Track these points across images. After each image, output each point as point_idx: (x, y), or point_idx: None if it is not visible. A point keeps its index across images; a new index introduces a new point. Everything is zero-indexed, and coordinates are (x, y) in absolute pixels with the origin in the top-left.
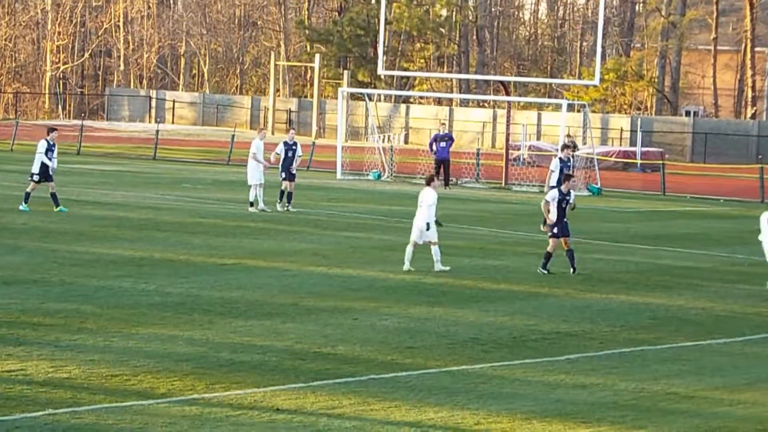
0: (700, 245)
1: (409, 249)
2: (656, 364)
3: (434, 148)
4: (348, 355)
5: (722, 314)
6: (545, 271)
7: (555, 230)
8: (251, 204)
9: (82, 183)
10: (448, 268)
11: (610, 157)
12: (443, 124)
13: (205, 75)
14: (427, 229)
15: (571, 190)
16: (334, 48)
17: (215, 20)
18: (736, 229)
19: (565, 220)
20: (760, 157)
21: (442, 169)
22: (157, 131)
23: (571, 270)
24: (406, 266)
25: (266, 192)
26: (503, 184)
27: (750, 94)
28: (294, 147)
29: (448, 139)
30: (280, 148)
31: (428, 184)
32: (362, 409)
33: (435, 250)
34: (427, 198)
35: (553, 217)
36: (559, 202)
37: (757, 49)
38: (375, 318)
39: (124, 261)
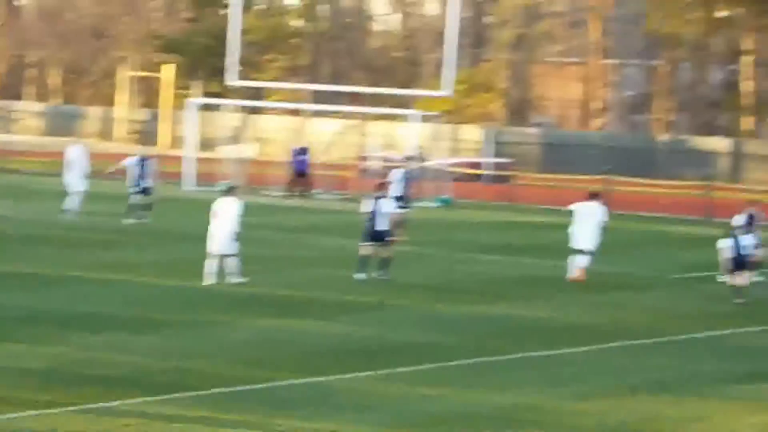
0: (549, 255)
1: (210, 263)
2: (505, 374)
3: (293, 160)
4: (196, 368)
5: (570, 323)
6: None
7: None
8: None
9: None
10: (245, 279)
11: (461, 167)
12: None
13: (55, 85)
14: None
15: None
16: (186, 58)
17: (65, 30)
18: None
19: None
20: (606, 167)
21: (300, 181)
22: None
23: (380, 274)
24: (210, 281)
25: (119, 205)
26: (352, 196)
27: (597, 106)
28: (146, 161)
29: (305, 152)
30: (131, 162)
31: (229, 193)
32: (211, 421)
33: (231, 262)
34: (230, 209)
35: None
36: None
37: (603, 61)
38: (224, 330)
39: None
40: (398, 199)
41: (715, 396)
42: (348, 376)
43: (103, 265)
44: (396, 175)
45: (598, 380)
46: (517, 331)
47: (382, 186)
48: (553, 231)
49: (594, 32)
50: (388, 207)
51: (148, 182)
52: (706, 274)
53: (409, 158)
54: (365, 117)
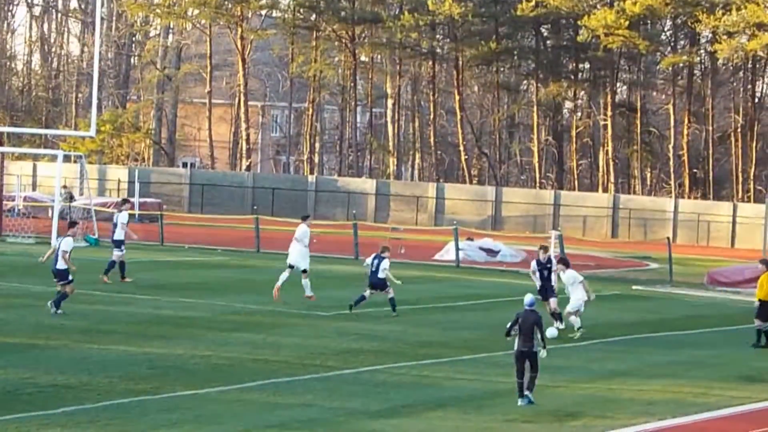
0: (198, 294)
1: None
2: (155, 414)
3: None
4: None
5: (220, 362)
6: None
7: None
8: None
9: None
10: None
11: (108, 207)
12: None
13: None
14: None
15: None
16: None
17: None
18: (234, 278)
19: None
20: (255, 207)
21: None
22: None
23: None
24: None
25: None
26: None
27: (244, 147)
28: None
29: None
30: None
31: None
32: None
33: None
34: None
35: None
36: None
37: (249, 102)
38: None
39: None
40: (120, 242)
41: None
42: None
43: None
44: (122, 218)
45: (249, 418)
46: (169, 370)
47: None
48: (203, 270)
49: (239, 74)
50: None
51: None
52: (354, 312)
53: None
54: (7, 157)
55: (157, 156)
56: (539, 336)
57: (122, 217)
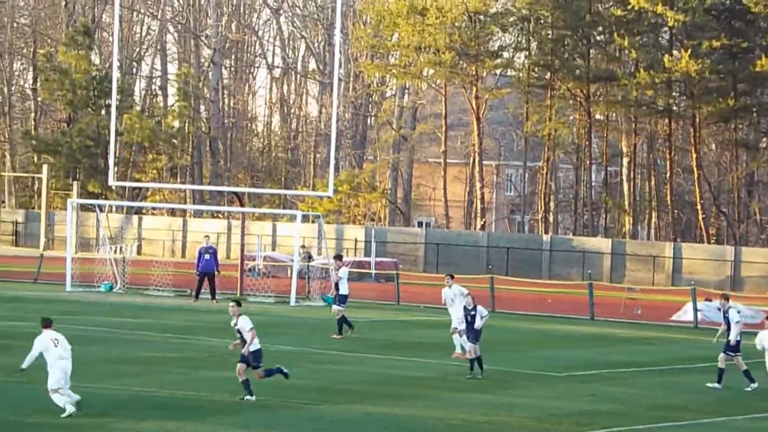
0: (433, 354)
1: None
2: None
3: (199, 261)
4: None
5: (456, 423)
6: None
7: None
8: None
9: None
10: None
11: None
12: (207, 236)
13: None
14: None
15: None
16: (63, 159)
17: None
18: None
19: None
20: (490, 266)
21: (206, 282)
22: None
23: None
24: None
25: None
26: (238, 295)
27: (479, 206)
28: None
29: (213, 251)
30: None
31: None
32: None
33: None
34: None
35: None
36: None
37: (484, 162)
38: None
39: None
40: (344, 297)
41: None
42: None
43: None
44: (342, 274)
45: None
46: (397, 430)
47: None
48: (438, 330)
49: (474, 134)
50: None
51: None
52: (588, 372)
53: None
54: (247, 217)
55: (392, 215)
56: None
57: (343, 273)
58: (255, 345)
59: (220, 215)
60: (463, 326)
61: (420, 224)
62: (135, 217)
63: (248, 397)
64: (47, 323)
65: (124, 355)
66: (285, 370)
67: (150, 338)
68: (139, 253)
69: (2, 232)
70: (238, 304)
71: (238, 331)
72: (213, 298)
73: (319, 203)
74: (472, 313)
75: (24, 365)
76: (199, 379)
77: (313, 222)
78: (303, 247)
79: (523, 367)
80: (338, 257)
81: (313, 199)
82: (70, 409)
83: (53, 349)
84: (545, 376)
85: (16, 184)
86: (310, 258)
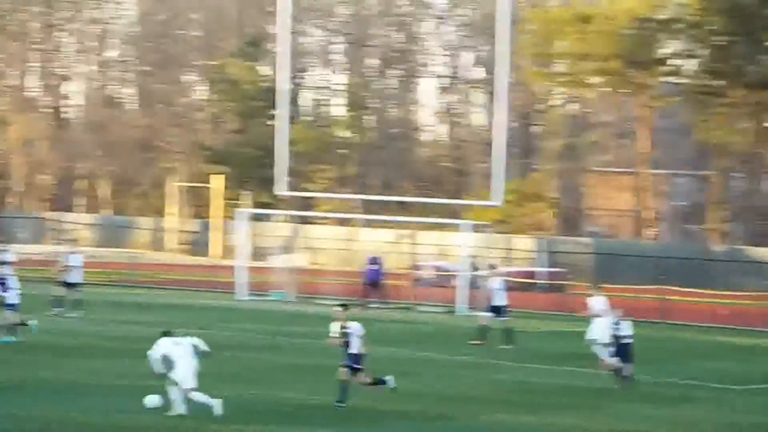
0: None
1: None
2: None
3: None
4: None
5: None
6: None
7: None
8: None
9: None
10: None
11: (514, 277)
12: (372, 247)
13: (105, 196)
14: None
15: None
16: (234, 169)
17: (113, 142)
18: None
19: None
20: (662, 277)
21: (373, 291)
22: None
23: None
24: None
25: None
26: (408, 305)
27: (648, 215)
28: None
29: (377, 261)
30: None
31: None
32: None
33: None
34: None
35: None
36: None
37: (654, 171)
38: None
39: None
40: (498, 308)
41: None
42: None
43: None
44: (495, 285)
45: None
46: None
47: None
48: None
49: (642, 142)
50: (358, 330)
51: (74, 277)
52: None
53: (491, 267)
54: (415, 227)
55: (561, 225)
56: None
57: (495, 284)
58: (361, 349)
59: (388, 225)
60: (597, 337)
61: (588, 234)
62: (304, 227)
63: (339, 404)
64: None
65: (294, 361)
66: (388, 381)
67: (320, 346)
68: (309, 262)
69: (178, 242)
70: (346, 308)
71: (343, 334)
72: (381, 306)
73: (486, 213)
74: (618, 327)
75: (157, 371)
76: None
77: (481, 232)
78: (471, 256)
79: (697, 379)
80: (491, 267)
81: (480, 208)
82: (179, 408)
83: (176, 351)
84: (719, 389)
85: (189, 193)
86: (476, 268)
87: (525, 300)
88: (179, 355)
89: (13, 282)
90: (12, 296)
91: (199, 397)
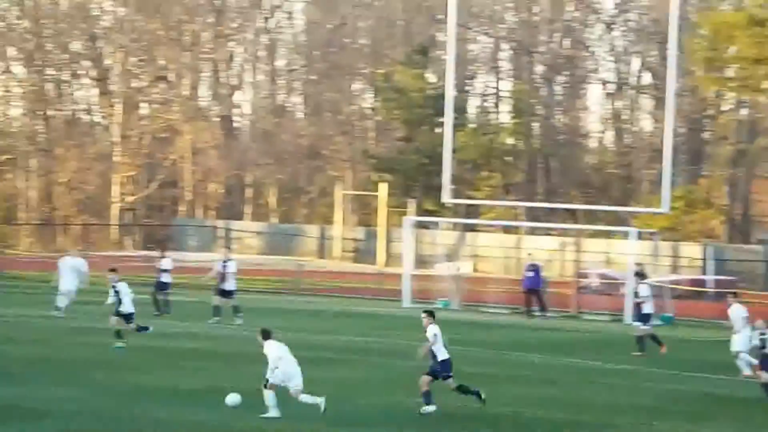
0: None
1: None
2: None
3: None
4: None
5: None
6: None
7: None
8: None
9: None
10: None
11: (682, 285)
12: (530, 254)
13: (272, 204)
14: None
15: None
16: (400, 177)
17: (281, 150)
18: None
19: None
20: None
21: (533, 299)
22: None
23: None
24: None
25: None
26: (574, 313)
27: None
28: (226, 264)
29: (536, 268)
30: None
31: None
32: None
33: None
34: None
35: None
36: None
37: None
38: None
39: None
40: (647, 316)
41: None
42: None
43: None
44: (644, 291)
45: None
46: None
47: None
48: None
49: None
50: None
51: (228, 284)
52: None
53: (637, 274)
54: (581, 234)
55: (730, 232)
56: None
57: (644, 291)
58: (443, 354)
59: (553, 232)
60: (739, 348)
61: (758, 241)
62: (470, 234)
63: (427, 408)
64: (267, 335)
65: (458, 369)
66: (479, 393)
67: (482, 354)
68: (474, 270)
69: (344, 249)
70: (431, 314)
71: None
72: (543, 313)
73: (653, 220)
74: (763, 337)
75: (272, 380)
76: (532, 397)
77: (648, 239)
78: (638, 264)
79: None
80: (639, 274)
81: (648, 216)
82: (273, 412)
83: (281, 353)
84: None
85: (355, 201)
86: (642, 276)
87: (692, 309)
88: (284, 356)
89: (125, 290)
90: (126, 304)
91: (307, 398)
